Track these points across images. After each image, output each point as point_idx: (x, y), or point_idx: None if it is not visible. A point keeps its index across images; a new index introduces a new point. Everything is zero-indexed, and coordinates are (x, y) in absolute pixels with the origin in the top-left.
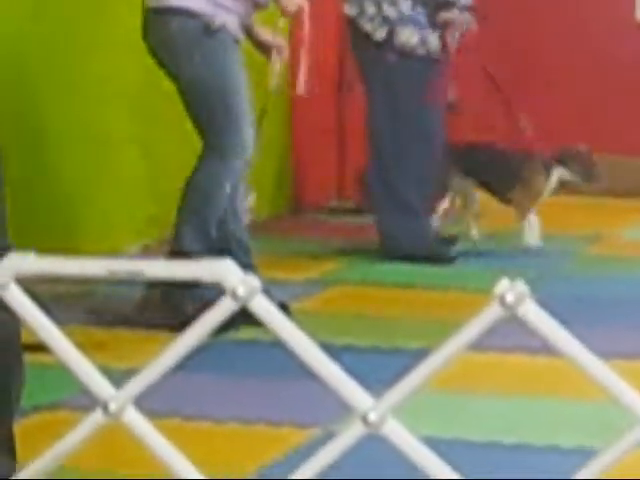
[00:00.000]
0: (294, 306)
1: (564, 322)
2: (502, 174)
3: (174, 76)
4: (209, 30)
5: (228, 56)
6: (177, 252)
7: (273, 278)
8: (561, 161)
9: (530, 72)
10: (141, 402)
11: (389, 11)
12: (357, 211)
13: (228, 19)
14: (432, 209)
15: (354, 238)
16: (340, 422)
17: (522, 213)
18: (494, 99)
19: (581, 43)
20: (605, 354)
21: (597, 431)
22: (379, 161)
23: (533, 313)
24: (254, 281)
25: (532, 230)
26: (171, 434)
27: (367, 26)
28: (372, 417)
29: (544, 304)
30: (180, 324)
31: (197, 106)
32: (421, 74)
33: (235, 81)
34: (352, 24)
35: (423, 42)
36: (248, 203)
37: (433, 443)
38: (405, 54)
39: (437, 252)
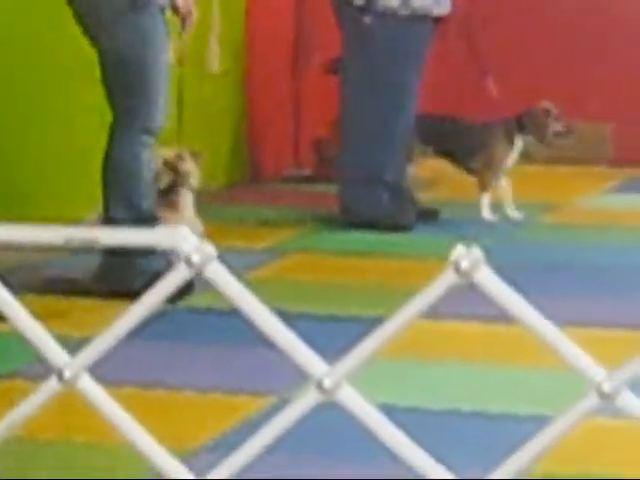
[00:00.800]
0: (251, 274)
1: (519, 289)
2: (464, 143)
3: (95, 45)
4: (135, 3)
5: (152, 30)
6: (106, 220)
7: (229, 246)
8: (519, 126)
9: (501, 35)
10: (97, 370)
11: None
12: (313, 179)
13: None
14: (401, 177)
15: (311, 206)
16: (296, 390)
17: (483, 183)
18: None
19: (551, 11)
20: (560, 321)
21: (552, 398)
22: (349, 130)
23: (488, 280)
24: (209, 248)
25: (506, 199)
26: (126, 402)
27: None
28: (327, 383)
29: (499, 271)
30: (135, 292)
31: (114, 79)
32: (403, 37)
33: (155, 56)
34: None
35: (405, 2)
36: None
37: (389, 410)
38: (386, 16)
39: (395, 220)
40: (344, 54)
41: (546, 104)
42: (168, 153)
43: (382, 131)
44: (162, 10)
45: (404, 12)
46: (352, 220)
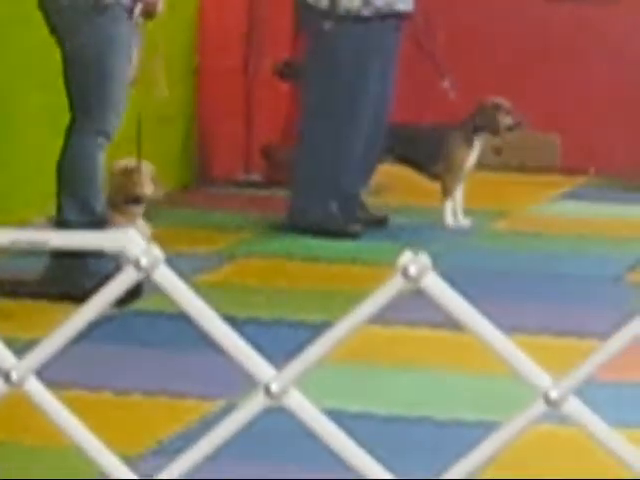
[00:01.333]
0: (199, 278)
1: (467, 295)
2: (424, 149)
3: (60, 46)
4: (99, 5)
5: (115, 32)
6: (59, 222)
7: (178, 250)
8: (475, 126)
9: (460, 40)
10: (44, 372)
11: None
12: (263, 184)
13: None
14: (362, 185)
15: (260, 211)
16: (244, 394)
17: (445, 189)
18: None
19: (502, 15)
20: (507, 328)
21: (500, 405)
22: (308, 136)
23: (436, 285)
24: (157, 251)
25: (457, 206)
26: (73, 404)
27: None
28: (274, 388)
29: (447, 277)
30: (85, 294)
31: (75, 79)
32: (366, 39)
33: (116, 59)
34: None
35: (367, 2)
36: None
37: (336, 416)
38: (348, 19)
39: (342, 228)
40: (306, 60)
41: (496, 99)
42: (122, 162)
43: (341, 138)
44: (129, 12)
45: (366, 12)
46: (300, 226)
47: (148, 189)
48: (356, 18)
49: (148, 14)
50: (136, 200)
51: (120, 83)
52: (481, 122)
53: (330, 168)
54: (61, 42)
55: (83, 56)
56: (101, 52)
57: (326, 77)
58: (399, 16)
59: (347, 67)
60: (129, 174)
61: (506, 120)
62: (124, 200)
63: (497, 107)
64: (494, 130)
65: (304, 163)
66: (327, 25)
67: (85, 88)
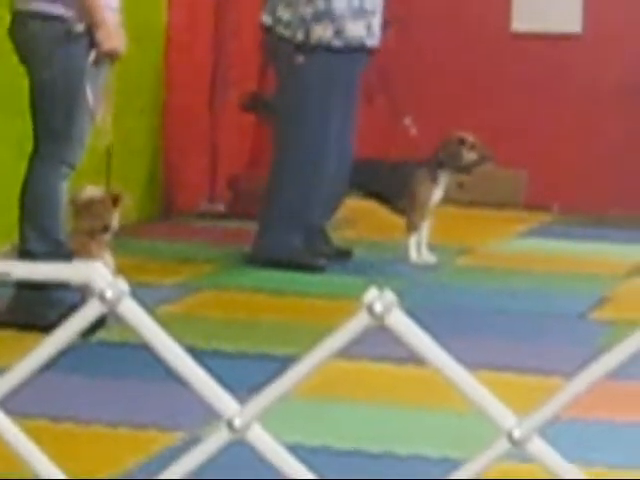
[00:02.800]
0: (163, 310)
1: (431, 332)
2: (389, 184)
3: (30, 75)
4: (69, 35)
5: (85, 64)
6: (23, 252)
7: (142, 281)
8: (439, 162)
9: (420, 76)
10: (7, 402)
11: (305, 11)
12: (228, 215)
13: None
14: (327, 219)
15: (225, 243)
16: (206, 426)
17: (410, 224)
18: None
19: (466, 51)
20: (471, 365)
21: (462, 442)
22: (278, 169)
23: (401, 322)
24: (122, 284)
25: (422, 241)
26: (36, 434)
27: (286, 32)
28: (237, 423)
29: (412, 314)
30: (50, 325)
31: (43, 109)
32: (333, 70)
33: (85, 91)
34: (270, 33)
35: (339, 32)
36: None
37: (298, 450)
38: (320, 50)
39: (307, 262)
40: (277, 93)
41: (461, 134)
42: (89, 193)
43: (308, 173)
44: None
45: (338, 43)
46: (265, 258)
47: (116, 219)
48: (327, 49)
49: (111, 59)
50: (105, 229)
51: (87, 114)
52: (445, 157)
53: (297, 202)
54: (31, 71)
55: (54, 86)
56: (71, 82)
57: (296, 111)
58: (367, 51)
59: (316, 100)
60: (102, 203)
61: (470, 155)
62: (102, 228)
63: (461, 141)
64: (458, 165)
65: (273, 196)
66: (300, 58)
67: (52, 118)
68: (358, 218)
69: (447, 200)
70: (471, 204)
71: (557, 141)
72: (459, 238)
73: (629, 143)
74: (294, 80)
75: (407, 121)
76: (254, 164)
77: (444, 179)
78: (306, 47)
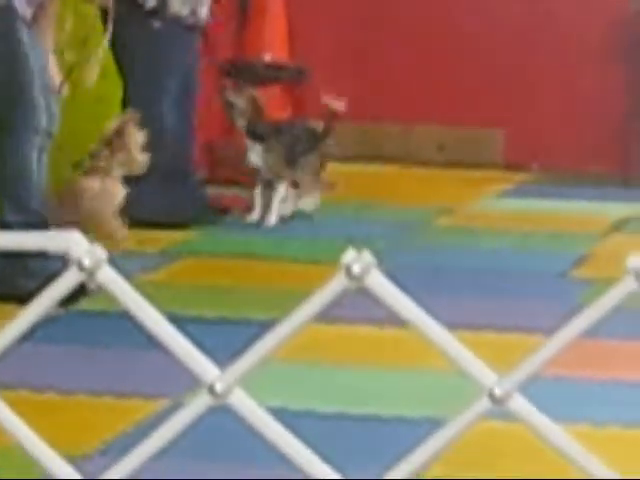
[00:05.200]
0: (143, 277)
1: (411, 293)
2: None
3: None
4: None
5: (12, 37)
6: None
7: (122, 249)
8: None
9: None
10: None
11: None
12: (207, 182)
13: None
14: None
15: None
16: (189, 393)
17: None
18: None
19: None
20: (451, 324)
21: (445, 401)
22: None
23: (380, 284)
24: (100, 252)
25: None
26: (18, 405)
27: None
28: (218, 388)
29: (391, 275)
30: (28, 295)
31: None
32: (186, 42)
33: (23, 62)
34: None
35: (193, 13)
36: None
37: (281, 414)
38: (174, 23)
39: (174, 216)
40: (126, 57)
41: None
42: (111, 124)
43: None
44: (25, 21)
45: (191, 21)
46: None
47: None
48: (179, 24)
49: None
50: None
51: (40, 82)
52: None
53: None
54: None
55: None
56: (11, 45)
57: (150, 74)
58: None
59: (167, 66)
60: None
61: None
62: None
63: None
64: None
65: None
66: (157, 24)
67: (2, 85)
68: (338, 181)
69: (425, 162)
70: (449, 164)
71: (536, 99)
72: (438, 199)
73: (608, 101)
74: (151, 46)
75: (327, 99)
76: (230, 131)
77: None
78: (159, 16)
